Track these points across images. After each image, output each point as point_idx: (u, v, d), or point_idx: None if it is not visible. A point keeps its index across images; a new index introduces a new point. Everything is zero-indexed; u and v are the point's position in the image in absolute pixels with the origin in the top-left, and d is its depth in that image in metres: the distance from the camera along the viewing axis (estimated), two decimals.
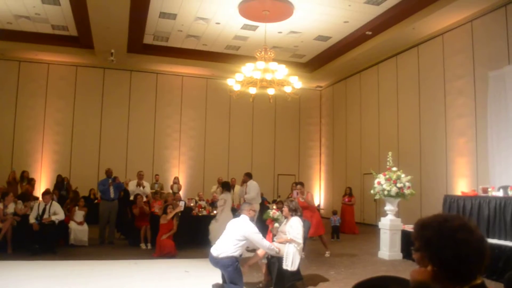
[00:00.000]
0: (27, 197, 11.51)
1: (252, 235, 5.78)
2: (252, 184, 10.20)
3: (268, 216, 7.72)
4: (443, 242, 1.51)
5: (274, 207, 10.71)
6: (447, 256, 1.50)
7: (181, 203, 10.12)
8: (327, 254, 9.19)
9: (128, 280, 6.84)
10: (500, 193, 8.30)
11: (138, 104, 17.34)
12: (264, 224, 9.59)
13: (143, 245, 9.95)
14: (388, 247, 9.11)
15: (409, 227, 9.00)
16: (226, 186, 10.16)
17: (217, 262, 5.69)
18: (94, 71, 16.83)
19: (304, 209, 7.82)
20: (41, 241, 8.88)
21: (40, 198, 11.86)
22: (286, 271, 6.08)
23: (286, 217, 6.66)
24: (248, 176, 10.40)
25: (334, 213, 12.53)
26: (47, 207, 9.28)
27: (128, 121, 17.19)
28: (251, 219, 6.06)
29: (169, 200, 10.45)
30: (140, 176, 11.50)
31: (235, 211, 9.29)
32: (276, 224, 7.20)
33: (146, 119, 17.39)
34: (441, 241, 1.52)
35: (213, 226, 9.59)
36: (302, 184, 9.70)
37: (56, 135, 16.39)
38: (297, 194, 9.36)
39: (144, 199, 10.91)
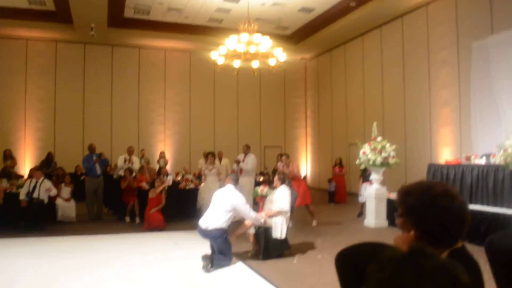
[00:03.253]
0: (10, 174, 11.40)
1: (240, 205, 5.84)
2: (251, 157, 10.54)
3: (257, 194, 7.75)
4: (426, 208, 1.56)
5: (262, 179, 10.79)
6: (429, 221, 1.55)
7: (169, 178, 10.15)
8: (314, 223, 9.34)
9: (118, 254, 6.89)
10: (483, 161, 8.47)
11: (120, 79, 17.06)
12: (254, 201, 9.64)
13: (127, 218, 10.03)
14: (373, 215, 9.29)
15: (395, 196, 9.17)
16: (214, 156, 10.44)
17: (206, 234, 5.76)
18: (74, 47, 16.44)
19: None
20: (28, 218, 8.84)
21: (26, 176, 11.75)
22: (274, 240, 6.19)
23: (275, 187, 6.76)
24: (248, 147, 10.82)
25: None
26: (38, 184, 9.16)
27: (111, 97, 16.95)
28: (237, 188, 6.12)
29: (162, 172, 10.56)
30: (130, 152, 11.43)
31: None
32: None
33: (129, 95, 17.15)
34: (423, 207, 1.56)
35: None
36: (287, 155, 9.91)
37: (38, 112, 16.10)
38: (283, 165, 9.45)
39: (133, 174, 10.89)
